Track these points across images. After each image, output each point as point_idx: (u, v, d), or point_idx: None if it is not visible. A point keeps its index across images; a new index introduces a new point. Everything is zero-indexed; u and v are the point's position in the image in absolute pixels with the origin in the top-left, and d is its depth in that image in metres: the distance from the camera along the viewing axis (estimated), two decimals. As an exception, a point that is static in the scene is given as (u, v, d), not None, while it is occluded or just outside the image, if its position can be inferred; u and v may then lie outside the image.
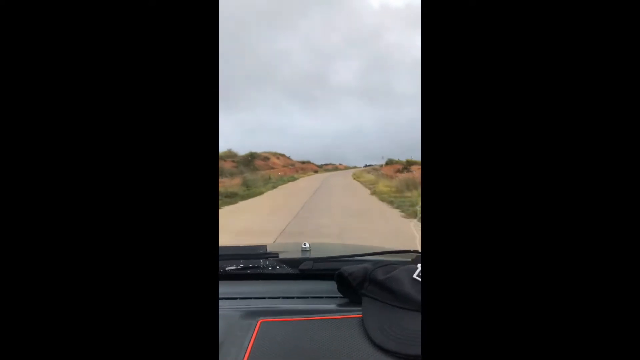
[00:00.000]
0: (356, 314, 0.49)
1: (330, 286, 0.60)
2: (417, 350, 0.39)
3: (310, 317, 0.49)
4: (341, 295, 0.56)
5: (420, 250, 0.63)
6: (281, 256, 0.70)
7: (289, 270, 0.67)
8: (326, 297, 0.57)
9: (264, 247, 0.69)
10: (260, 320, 0.49)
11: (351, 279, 0.54)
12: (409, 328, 0.42)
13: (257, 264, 0.68)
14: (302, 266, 0.66)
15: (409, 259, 0.60)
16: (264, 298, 0.58)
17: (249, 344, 0.43)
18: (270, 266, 0.67)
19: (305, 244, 0.83)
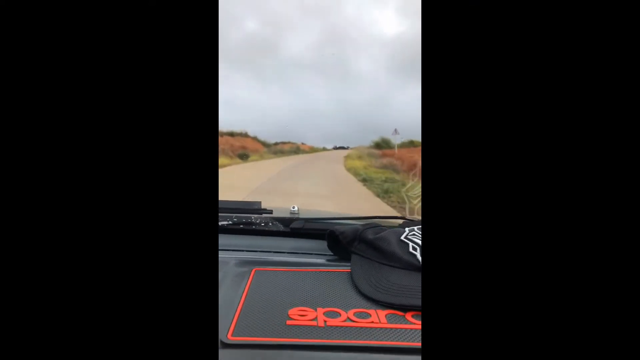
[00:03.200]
0: (345, 269, 0.53)
1: (319, 244, 0.63)
2: (399, 300, 0.43)
3: (302, 269, 0.52)
4: (331, 253, 0.60)
5: (407, 217, 0.66)
6: (275, 214, 0.73)
7: (280, 227, 0.70)
8: (316, 254, 0.61)
9: (259, 203, 0.71)
10: (255, 269, 0.52)
11: (342, 237, 0.57)
12: (394, 282, 0.46)
13: (250, 220, 0.70)
14: (293, 225, 0.69)
15: (396, 225, 0.63)
16: (257, 251, 0.61)
17: (245, 288, 0.46)
18: (262, 222, 0.70)
19: (294, 207, 0.86)
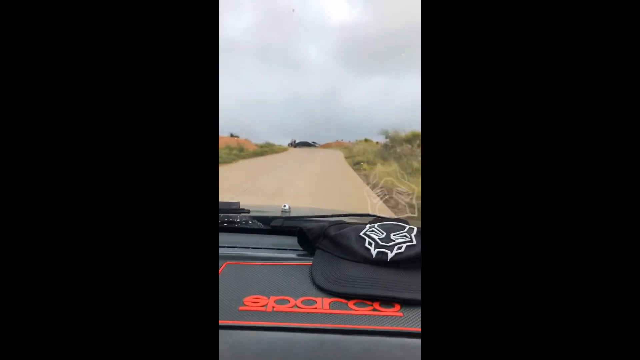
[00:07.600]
0: (309, 262, 0.58)
1: (295, 241, 0.68)
2: (345, 289, 0.47)
3: (269, 263, 0.58)
4: (302, 249, 0.65)
5: (375, 214, 0.71)
6: (255, 213, 0.78)
7: (261, 225, 0.75)
8: (290, 250, 0.66)
9: (237, 203, 0.77)
10: (226, 262, 0.58)
11: (309, 234, 0.62)
12: (345, 273, 0.50)
13: (231, 218, 0.76)
14: (273, 223, 0.75)
15: (366, 222, 0.68)
16: (235, 247, 0.67)
17: None
18: (243, 221, 0.75)
19: (285, 205, 0.91)
